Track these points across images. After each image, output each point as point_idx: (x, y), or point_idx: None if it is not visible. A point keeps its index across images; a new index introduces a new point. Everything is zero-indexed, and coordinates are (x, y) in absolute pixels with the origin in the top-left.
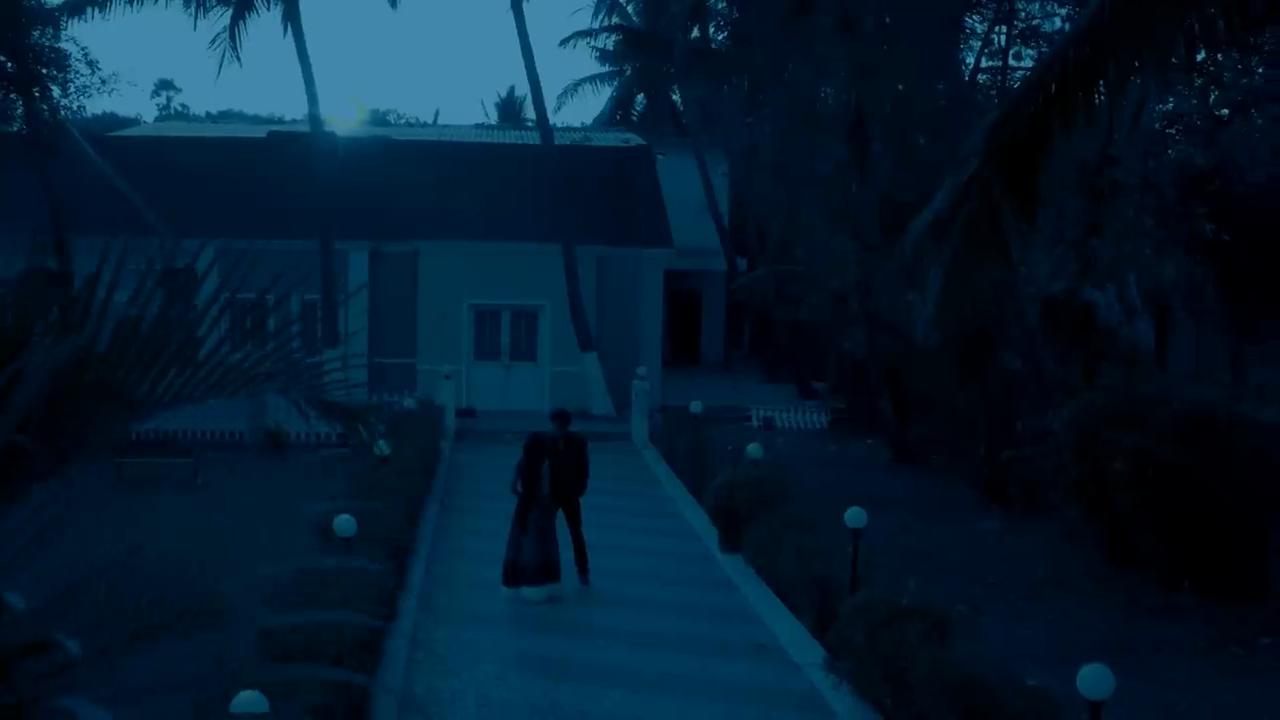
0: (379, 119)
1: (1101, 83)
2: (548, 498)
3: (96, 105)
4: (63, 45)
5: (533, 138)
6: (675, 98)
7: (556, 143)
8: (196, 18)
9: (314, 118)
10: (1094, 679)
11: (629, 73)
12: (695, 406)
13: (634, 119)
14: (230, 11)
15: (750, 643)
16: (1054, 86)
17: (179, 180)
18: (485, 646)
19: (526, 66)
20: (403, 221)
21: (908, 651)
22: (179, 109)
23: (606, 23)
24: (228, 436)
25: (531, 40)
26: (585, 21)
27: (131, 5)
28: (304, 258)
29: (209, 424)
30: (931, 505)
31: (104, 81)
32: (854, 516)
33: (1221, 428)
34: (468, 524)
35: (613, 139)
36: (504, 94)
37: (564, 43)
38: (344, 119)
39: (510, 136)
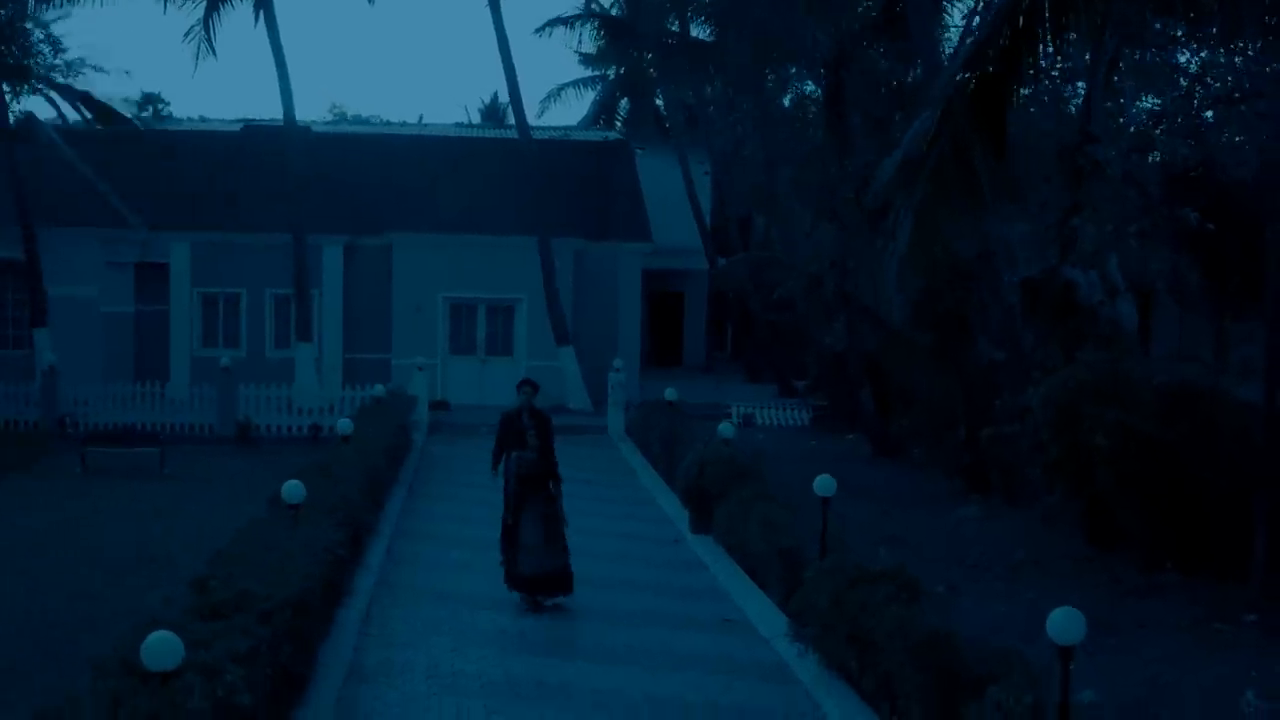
0: (360, 123)
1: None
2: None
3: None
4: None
5: (513, 136)
6: (659, 101)
7: (535, 139)
8: (166, 4)
9: (287, 110)
10: (1064, 623)
11: (612, 76)
12: (670, 394)
13: (618, 123)
14: (204, 3)
15: (717, 618)
16: (1022, 21)
17: (152, 173)
18: (443, 622)
19: (503, 58)
20: (378, 215)
21: (874, 611)
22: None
23: (585, 13)
24: (198, 430)
25: (513, 41)
26: (562, 9)
27: None
28: (278, 252)
29: (179, 417)
30: (911, 495)
31: (69, 65)
32: (823, 485)
33: (1205, 404)
34: (437, 510)
35: (592, 135)
36: (488, 100)
37: (539, 30)
38: (321, 116)
39: (490, 135)
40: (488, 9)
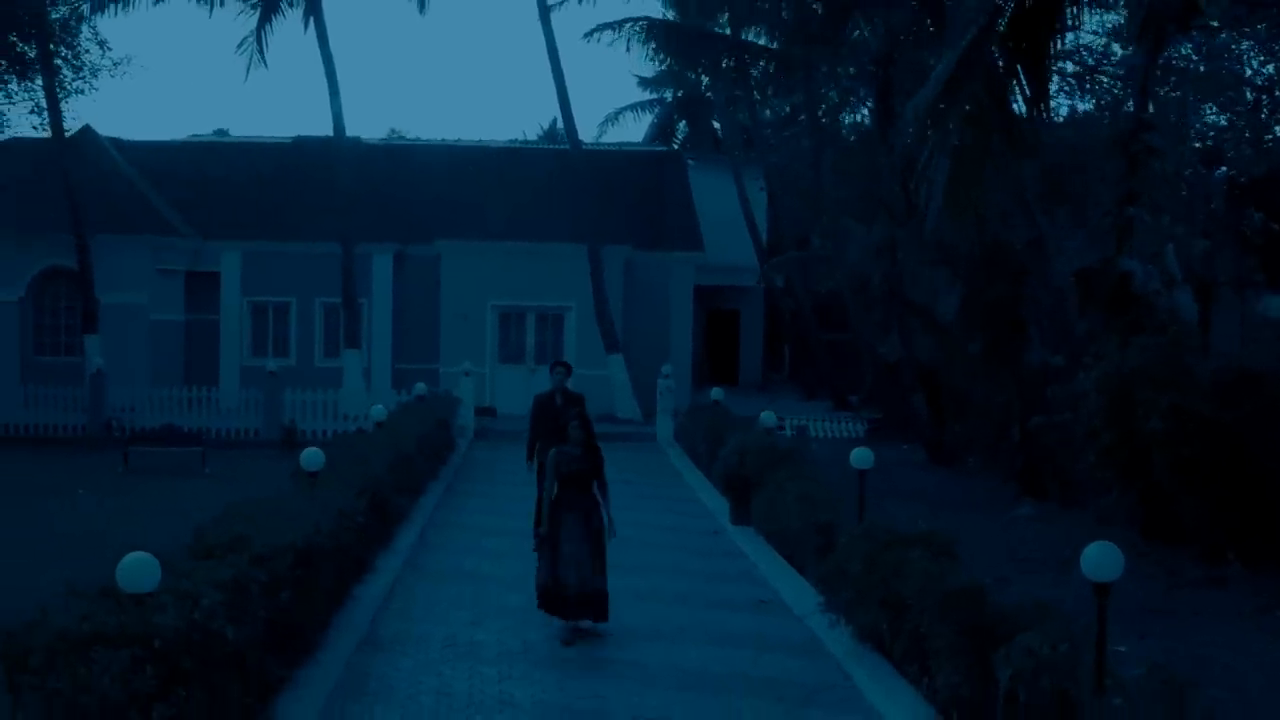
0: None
1: None
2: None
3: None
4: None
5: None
6: (716, 124)
7: (587, 150)
8: (213, 7)
9: (337, 121)
10: (1099, 558)
11: (669, 99)
12: (716, 393)
13: (675, 146)
14: (257, 15)
15: (752, 599)
16: None
17: (204, 184)
18: (466, 599)
19: (552, 66)
20: (427, 224)
21: (906, 573)
22: None
23: (631, 18)
24: (244, 434)
25: (568, 58)
26: (608, 14)
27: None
28: (328, 261)
29: (225, 422)
30: (964, 500)
31: (115, 64)
32: (860, 458)
33: (1269, 385)
34: (473, 504)
35: (644, 147)
36: (546, 126)
37: (588, 35)
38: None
39: (540, 147)
40: (539, 23)
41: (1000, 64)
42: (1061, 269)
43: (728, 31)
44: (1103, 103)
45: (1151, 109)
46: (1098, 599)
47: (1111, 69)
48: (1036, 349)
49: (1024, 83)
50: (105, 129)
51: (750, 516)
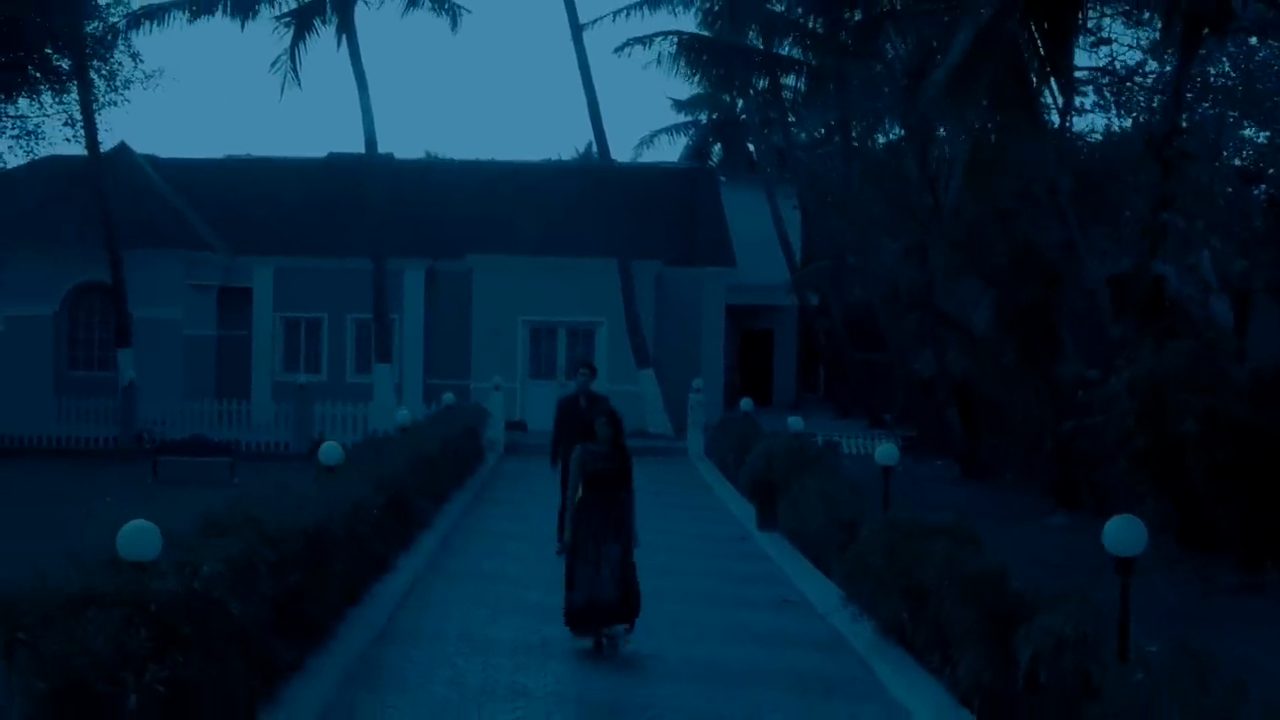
0: None
1: None
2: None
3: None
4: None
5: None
6: (750, 146)
7: (618, 166)
8: (244, 20)
9: (369, 137)
10: (1121, 533)
11: (704, 121)
12: (745, 404)
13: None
14: (290, 33)
15: (775, 599)
16: None
17: (237, 201)
18: (485, 597)
19: (585, 87)
20: (459, 240)
21: (928, 561)
22: None
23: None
24: (275, 447)
25: (603, 86)
26: (640, 31)
27: (188, 15)
28: (360, 277)
29: (255, 435)
30: (998, 512)
31: (148, 76)
32: (884, 454)
33: None
34: (500, 511)
35: (677, 164)
36: (581, 149)
37: (618, 50)
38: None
39: (572, 164)
40: (571, 41)
41: (1020, 39)
42: (1093, 272)
43: (760, 45)
44: (1138, 119)
45: (1185, 121)
46: (1120, 574)
47: (1145, 81)
48: (1070, 357)
49: (1045, 58)
50: (141, 147)
51: (776, 522)
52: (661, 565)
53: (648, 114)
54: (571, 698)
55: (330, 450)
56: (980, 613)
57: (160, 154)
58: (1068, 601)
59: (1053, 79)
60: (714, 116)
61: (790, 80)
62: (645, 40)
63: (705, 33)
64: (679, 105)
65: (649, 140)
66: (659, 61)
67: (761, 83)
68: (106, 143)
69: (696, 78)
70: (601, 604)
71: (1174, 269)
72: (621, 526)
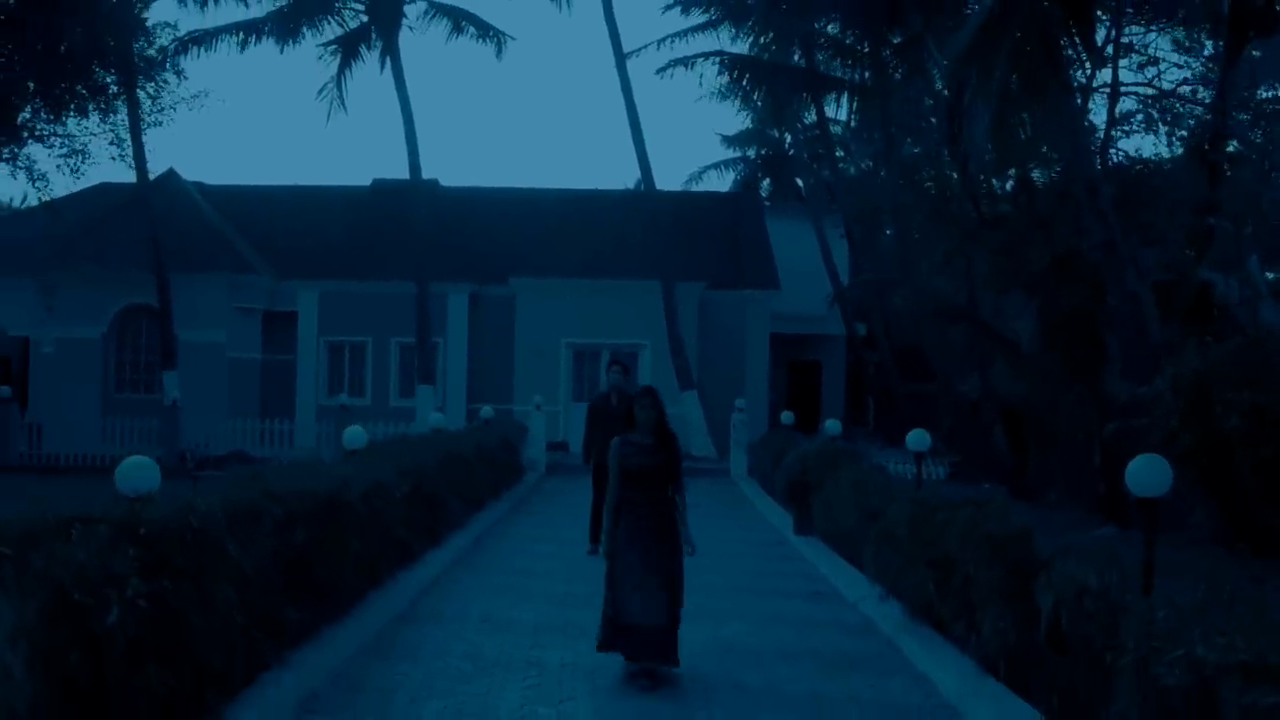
0: None
1: None
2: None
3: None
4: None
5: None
6: (798, 181)
7: (662, 192)
8: (286, 45)
9: (413, 163)
10: (1144, 472)
11: (753, 156)
12: (786, 417)
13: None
14: (337, 61)
15: (806, 591)
16: None
17: (283, 227)
18: (513, 588)
19: (628, 112)
20: (503, 265)
21: (953, 530)
22: None
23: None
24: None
25: (651, 118)
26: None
27: (238, 43)
28: (404, 301)
29: (298, 455)
30: (1045, 528)
31: (193, 96)
32: (915, 440)
33: None
34: (535, 519)
35: (721, 190)
36: (631, 185)
37: (660, 71)
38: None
39: (616, 191)
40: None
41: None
42: (1136, 274)
43: (802, 61)
44: (1183, 136)
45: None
46: (1145, 515)
47: (1190, 93)
48: (1115, 361)
49: (1066, 14)
50: (188, 174)
51: (812, 526)
52: (690, 564)
53: (697, 151)
54: (585, 669)
55: (354, 434)
56: (1005, 571)
57: (207, 181)
58: (1093, 556)
59: (1076, 35)
60: (762, 152)
61: (833, 106)
62: (688, 61)
63: (748, 53)
64: (727, 141)
65: (698, 176)
66: (700, 82)
67: (808, 114)
68: (154, 166)
69: (739, 102)
70: (648, 630)
71: (1221, 275)
72: (670, 531)
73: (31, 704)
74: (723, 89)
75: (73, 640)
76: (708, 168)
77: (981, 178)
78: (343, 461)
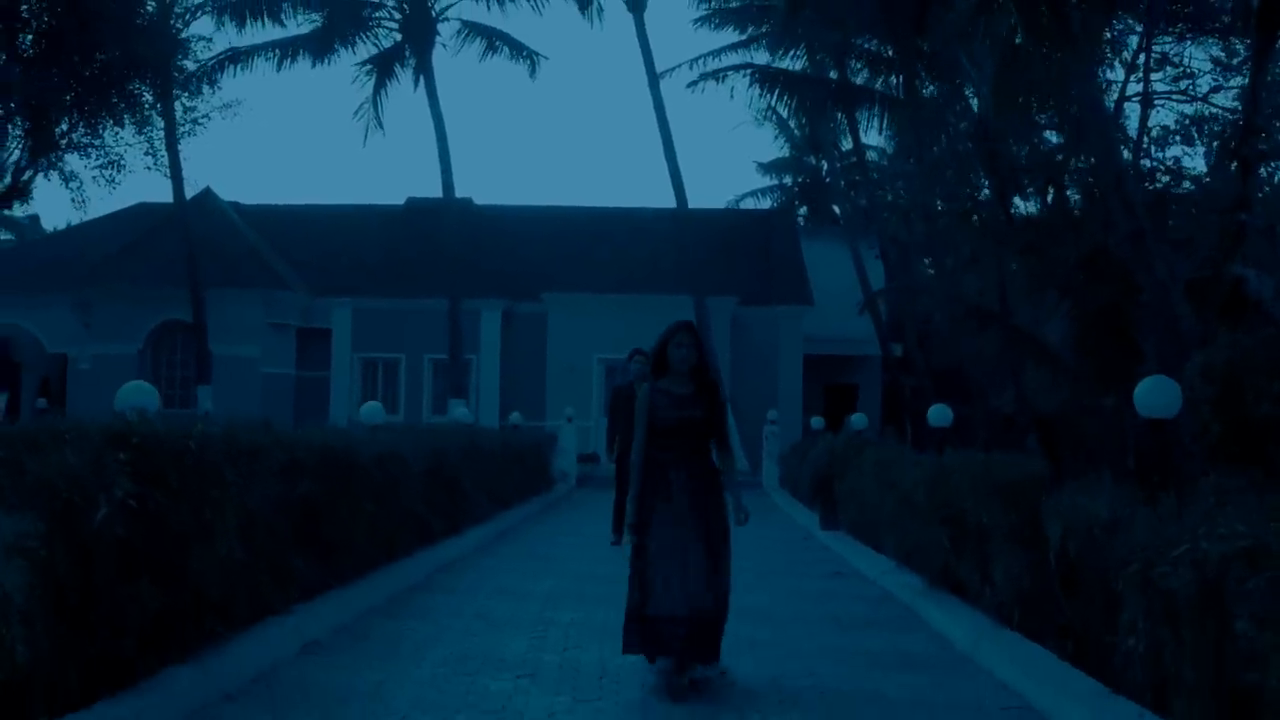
0: None
1: None
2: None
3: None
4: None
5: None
6: (835, 209)
7: (695, 210)
8: (321, 63)
9: (447, 182)
10: (1152, 393)
11: (789, 184)
12: (816, 422)
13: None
14: (372, 81)
15: (828, 572)
16: None
17: (318, 246)
18: (535, 569)
19: (661, 131)
20: (535, 282)
21: (965, 482)
22: None
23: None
24: None
25: (687, 151)
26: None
27: (274, 62)
28: (437, 318)
29: None
30: None
31: (226, 106)
32: (937, 415)
33: None
34: (562, 520)
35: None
36: (664, 205)
37: (691, 85)
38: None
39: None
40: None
41: None
42: (1165, 265)
43: (835, 75)
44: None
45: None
46: (1154, 435)
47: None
48: (1151, 365)
49: None
50: (227, 195)
51: (837, 520)
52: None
53: (733, 179)
54: (596, 625)
55: (372, 409)
56: (1016, 517)
57: (244, 201)
58: (1104, 490)
59: None
60: (800, 179)
61: (865, 121)
62: (719, 75)
63: (779, 65)
64: (764, 168)
65: (735, 204)
66: (732, 94)
67: (845, 138)
68: (191, 187)
69: (775, 128)
70: (685, 621)
71: (1254, 271)
72: (713, 498)
73: (24, 615)
74: (758, 115)
75: (63, 545)
76: (745, 195)
77: (1011, 175)
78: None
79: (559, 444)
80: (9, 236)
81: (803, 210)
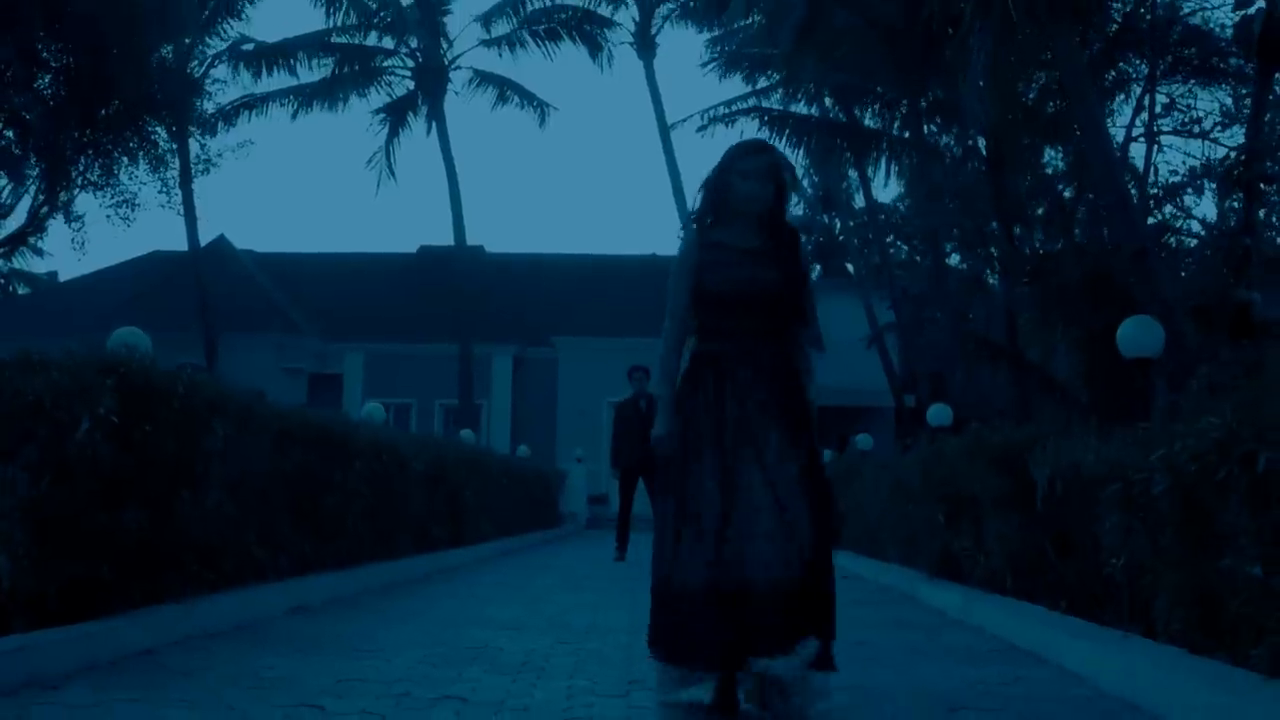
0: None
1: None
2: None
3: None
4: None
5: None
6: (849, 266)
7: None
8: (331, 109)
9: (458, 229)
10: (1134, 334)
11: (806, 244)
12: (827, 455)
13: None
14: (385, 130)
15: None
16: None
17: (331, 292)
18: (537, 571)
19: (672, 181)
20: (546, 328)
21: (959, 456)
22: None
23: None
24: None
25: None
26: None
27: (289, 109)
28: (448, 364)
29: None
30: None
31: (240, 146)
32: (936, 414)
33: None
34: (570, 545)
35: None
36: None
37: (700, 130)
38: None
39: (659, 256)
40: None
41: None
42: (1168, 283)
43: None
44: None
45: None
46: (1139, 373)
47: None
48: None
49: None
50: (240, 244)
51: (840, 536)
52: None
53: None
54: (589, 605)
55: (373, 408)
56: (1007, 480)
57: (257, 249)
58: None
59: None
60: (816, 239)
61: (873, 168)
62: (728, 119)
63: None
64: None
65: None
66: (741, 137)
67: (856, 194)
68: (205, 233)
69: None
70: (751, 595)
71: (1260, 294)
72: (796, 408)
73: (3, 533)
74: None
75: (45, 462)
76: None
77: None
78: None
79: (568, 483)
80: (27, 291)
81: (817, 267)
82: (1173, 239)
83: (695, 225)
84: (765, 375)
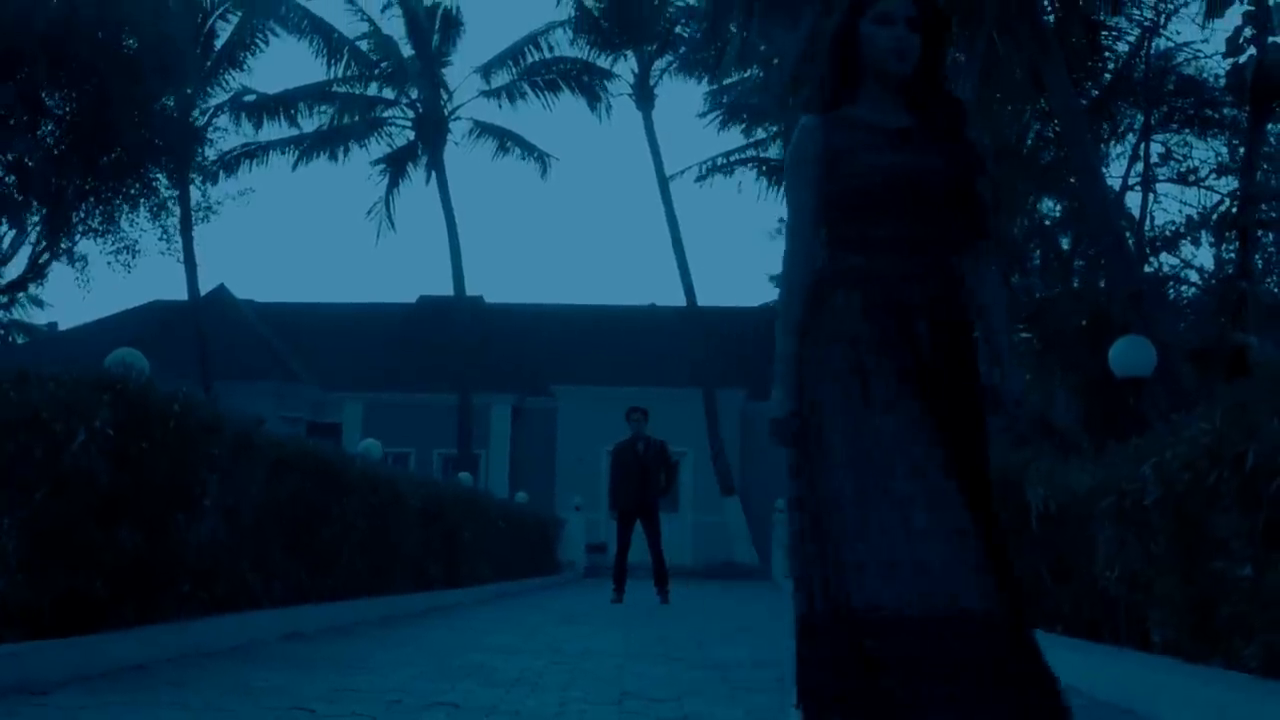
0: None
1: None
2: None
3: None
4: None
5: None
6: None
7: (703, 306)
8: (336, 160)
9: (458, 280)
10: (1126, 353)
11: None
12: None
13: None
14: (386, 180)
15: None
16: None
17: (330, 342)
18: (534, 610)
19: (670, 227)
20: (545, 377)
21: None
22: None
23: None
24: None
25: (701, 258)
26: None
27: (289, 158)
28: (446, 413)
29: None
30: None
31: (241, 194)
32: None
33: None
34: (568, 590)
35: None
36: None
37: (699, 179)
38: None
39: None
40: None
41: None
42: (1165, 325)
43: None
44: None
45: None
46: (1132, 393)
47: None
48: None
49: None
50: (241, 294)
51: None
52: (697, 636)
53: (749, 287)
54: (585, 633)
55: (370, 445)
56: (1006, 511)
57: (257, 299)
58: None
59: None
60: None
61: None
62: (727, 169)
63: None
64: (776, 279)
65: (757, 308)
66: (739, 190)
67: None
68: (205, 283)
69: (782, 230)
70: (944, 627)
71: (1256, 338)
72: (969, 381)
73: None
74: (774, 232)
75: (41, 475)
76: (766, 305)
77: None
78: None
79: (567, 531)
80: (26, 340)
81: None
82: (1171, 289)
83: (816, 99)
84: (938, 308)
